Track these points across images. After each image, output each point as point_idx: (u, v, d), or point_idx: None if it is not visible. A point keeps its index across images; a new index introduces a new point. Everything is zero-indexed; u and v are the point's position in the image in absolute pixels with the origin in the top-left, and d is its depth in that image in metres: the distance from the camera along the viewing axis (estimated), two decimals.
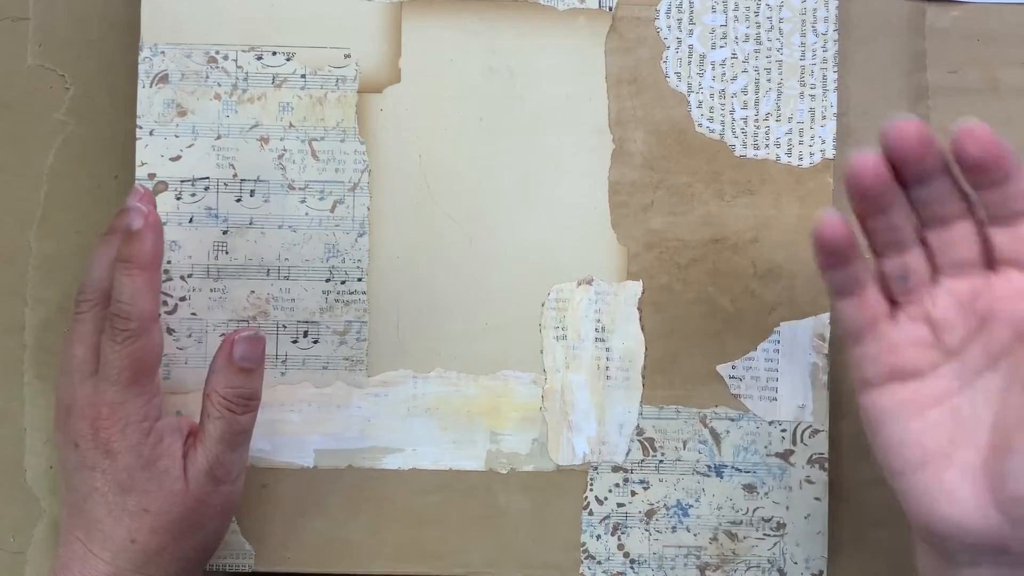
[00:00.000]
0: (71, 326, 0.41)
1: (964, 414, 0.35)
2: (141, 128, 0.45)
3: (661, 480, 0.46)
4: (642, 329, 0.46)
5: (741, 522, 0.46)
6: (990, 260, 0.36)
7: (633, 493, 0.46)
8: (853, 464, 0.46)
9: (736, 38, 0.46)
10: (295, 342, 0.45)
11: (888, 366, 0.37)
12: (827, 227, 0.36)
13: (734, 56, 0.46)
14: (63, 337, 0.41)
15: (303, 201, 0.46)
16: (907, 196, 0.36)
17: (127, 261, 0.39)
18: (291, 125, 0.46)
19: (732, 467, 0.46)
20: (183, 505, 0.40)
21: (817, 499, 0.46)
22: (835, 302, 0.38)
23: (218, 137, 0.46)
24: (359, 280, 0.46)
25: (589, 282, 0.46)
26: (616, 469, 0.46)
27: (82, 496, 0.39)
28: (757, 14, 0.46)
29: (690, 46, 0.46)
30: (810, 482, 0.46)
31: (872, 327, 0.37)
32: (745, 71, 0.46)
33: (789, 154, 0.46)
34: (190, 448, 0.40)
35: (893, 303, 0.37)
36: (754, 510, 0.46)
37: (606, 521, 0.46)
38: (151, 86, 0.45)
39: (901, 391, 0.36)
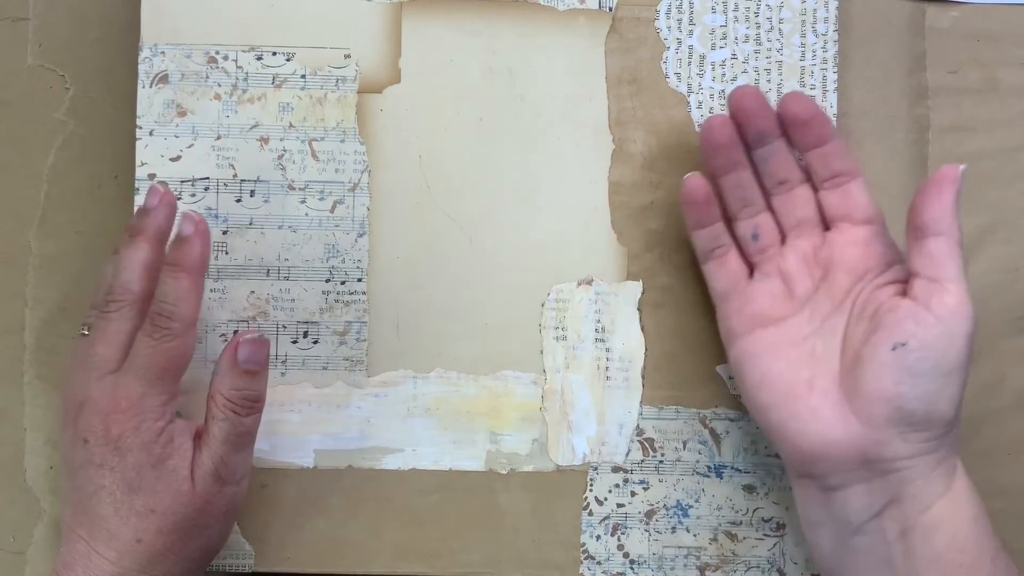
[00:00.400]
0: (96, 324, 0.41)
1: (819, 350, 0.41)
2: (141, 128, 0.45)
3: (661, 480, 0.46)
4: (642, 329, 0.46)
5: (741, 522, 0.46)
6: (826, 219, 0.42)
7: (633, 493, 0.46)
8: None
9: (736, 38, 0.46)
10: (295, 342, 0.45)
11: (750, 316, 0.42)
12: (691, 186, 0.42)
13: (734, 57, 0.46)
14: (80, 337, 0.41)
15: (303, 201, 0.46)
16: (754, 162, 0.43)
17: (175, 264, 0.40)
18: (291, 125, 0.46)
19: (732, 467, 0.46)
20: (189, 506, 0.40)
21: None
22: (703, 265, 0.44)
23: (218, 137, 0.46)
24: (359, 280, 0.46)
25: (589, 282, 0.46)
26: (616, 469, 0.46)
27: (87, 495, 0.39)
28: (757, 15, 0.46)
29: (690, 46, 0.46)
30: None
31: (735, 285, 0.43)
32: (745, 71, 0.46)
33: None
34: (196, 450, 0.40)
35: (751, 266, 0.43)
36: (754, 510, 0.46)
37: (606, 521, 0.46)
38: (151, 86, 0.45)
39: (763, 336, 0.41)
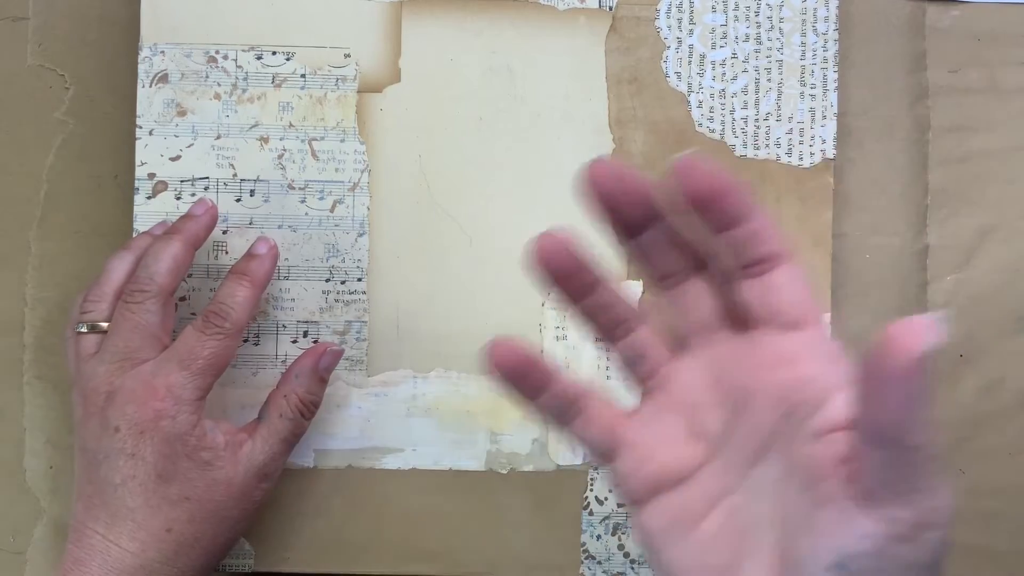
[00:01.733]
0: (120, 314, 0.41)
1: (743, 518, 0.29)
2: (141, 128, 0.45)
3: None
4: None
5: None
6: (740, 321, 0.30)
7: None
8: None
9: (736, 38, 0.46)
10: (295, 342, 0.45)
11: (647, 476, 0.31)
12: (502, 357, 0.31)
13: (734, 56, 0.46)
14: (81, 334, 0.41)
15: (303, 201, 0.46)
16: (627, 251, 0.31)
17: (244, 274, 0.42)
18: (291, 125, 0.46)
19: None
20: (226, 495, 0.40)
21: None
22: (563, 432, 0.32)
23: (218, 137, 0.46)
24: (359, 280, 0.46)
25: None
26: None
27: (112, 486, 0.39)
28: (757, 14, 0.46)
29: (690, 46, 0.46)
30: None
31: (614, 438, 0.32)
32: (745, 71, 0.46)
33: (789, 154, 0.46)
34: (245, 441, 0.41)
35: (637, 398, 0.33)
36: None
37: (606, 521, 0.46)
38: (151, 86, 0.45)
39: (669, 503, 0.31)
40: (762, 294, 0.29)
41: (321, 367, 0.43)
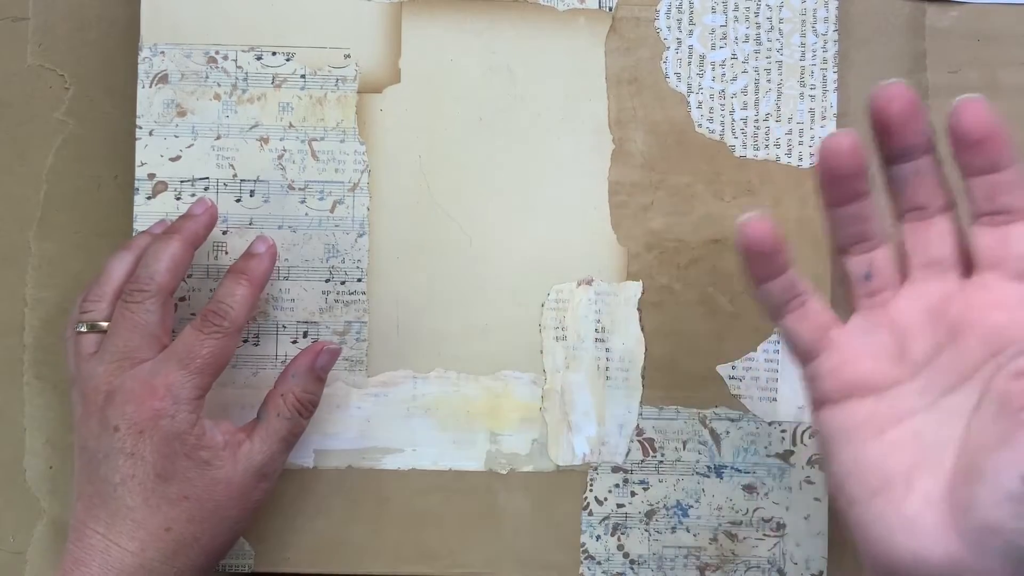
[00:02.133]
0: (120, 314, 0.41)
1: (927, 437, 0.32)
2: (141, 128, 0.45)
3: (661, 480, 0.46)
4: (642, 329, 0.46)
5: (741, 522, 0.46)
6: (968, 264, 0.33)
7: (633, 493, 0.46)
8: None
9: (736, 38, 0.46)
10: (295, 342, 0.45)
11: (845, 380, 0.34)
12: (754, 233, 0.34)
13: (734, 56, 0.46)
14: (115, 324, 0.41)
15: (303, 201, 0.46)
16: (887, 177, 0.34)
17: (243, 272, 0.42)
18: (291, 125, 0.46)
19: (732, 467, 0.46)
20: (225, 495, 0.40)
21: (817, 499, 0.46)
22: (777, 321, 0.35)
23: (218, 137, 0.46)
24: (359, 280, 0.46)
25: (589, 282, 0.46)
26: (616, 469, 0.46)
27: (112, 485, 0.39)
28: (757, 14, 0.46)
29: (690, 46, 0.46)
30: (810, 483, 0.46)
31: (824, 338, 0.34)
32: (745, 71, 0.46)
33: (789, 154, 0.46)
34: (244, 441, 0.41)
35: (853, 309, 0.35)
36: (754, 510, 0.46)
37: (606, 521, 0.46)
38: (151, 86, 0.45)
39: (859, 409, 0.33)
40: (998, 243, 0.32)
41: (318, 366, 0.43)
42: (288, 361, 0.45)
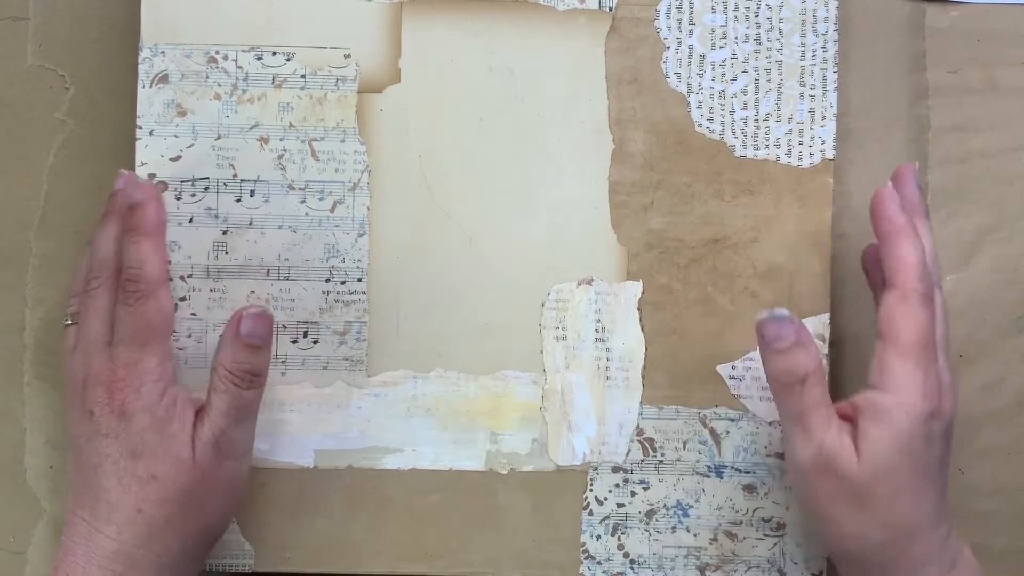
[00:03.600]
0: (83, 305, 0.42)
1: None
2: (141, 128, 0.45)
3: (661, 480, 0.46)
4: (642, 329, 0.46)
5: (741, 522, 0.46)
6: None
7: (633, 493, 0.46)
8: None
9: (736, 38, 0.46)
10: (295, 342, 0.45)
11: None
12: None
13: (734, 56, 0.46)
14: (66, 327, 0.42)
15: (303, 201, 0.46)
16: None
17: (133, 230, 0.41)
18: (291, 125, 0.46)
19: (732, 467, 0.46)
20: (189, 475, 0.40)
21: None
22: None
23: (218, 137, 0.46)
24: (359, 280, 0.46)
25: (589, 282, 0.46)
26: (616, 469, 0.46)
27: (91, 468, 0.40)
28: (757, 14, 0.46)
29: (690, 46, 0.46)
30: None
31: None
32: (745, 71, 0.46)
33: (789, 154, 0.46)
34: (198, 421, 0.41)
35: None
36: (754, 510, 0.46)
37: (606, 521, 0.46)
38: (151, 86, 0.45)
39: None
40: None
41: (243, 333, 0.41)
42: (288, 361, 0.45)
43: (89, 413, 0.40)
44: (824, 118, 0.46)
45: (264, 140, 0.46)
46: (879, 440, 0.38)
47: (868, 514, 0.38)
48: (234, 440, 0.41)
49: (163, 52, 0.45)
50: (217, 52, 0.45)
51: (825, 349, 0.45)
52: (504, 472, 0.46)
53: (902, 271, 0.39)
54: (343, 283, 0.46)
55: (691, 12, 0.46)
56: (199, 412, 0.41)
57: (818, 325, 0.45)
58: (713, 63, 0.46)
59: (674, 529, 0.46)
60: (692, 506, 0.46)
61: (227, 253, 0.45)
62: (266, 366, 0.42)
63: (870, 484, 0.38)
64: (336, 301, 0.46)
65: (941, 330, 0.40)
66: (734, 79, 0.46)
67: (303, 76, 0.46)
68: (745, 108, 0.46)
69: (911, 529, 0.38)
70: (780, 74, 0.46)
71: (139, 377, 0.40)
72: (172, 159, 0.45)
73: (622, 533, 0.46)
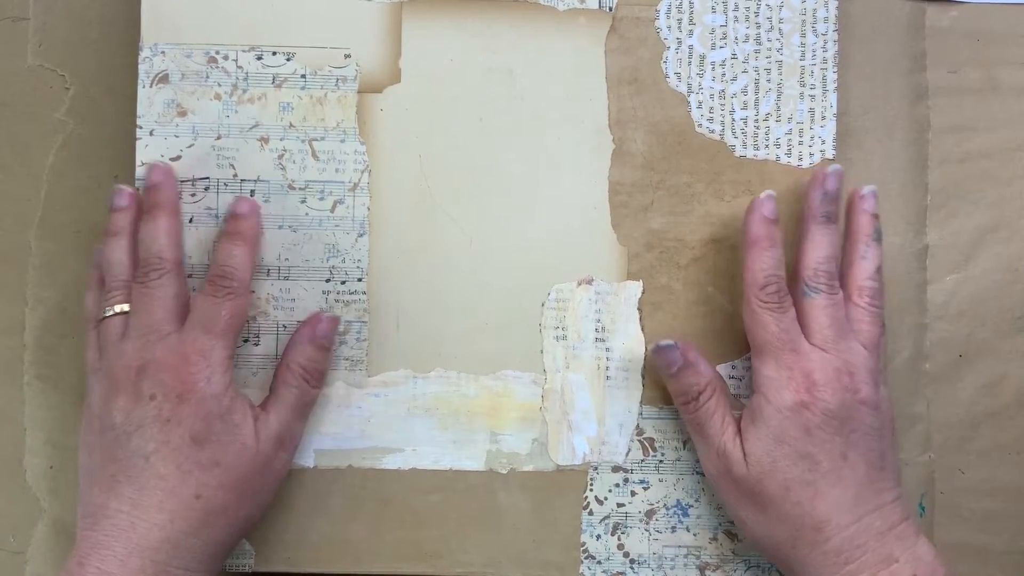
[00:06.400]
0: (138, 296, 0.42)
1: None
2: (141, 128, 0.45)
3: (661, 480, 0.46)
4: (642, 329, 0.46)
5: None
6: None
7: (633, 493, 0.46)
8: None
9: (736, 38, 0.46)
10: None
11: None
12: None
13: (734, 56, 0.46)
14: (136, 304, 0.42)
15: (303, 201, 0.46)
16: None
17: (235, 234, 0.44)
18: (291, 125, 0.46)
19: None
20: (252, 463, 0.41)
21: None
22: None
23: (218, 137, 0.46)
24: (359, 280, 0.46)
25: (589, 282, 0.46)
26: (616, 469, 0.46)
27: (143, 456, 0.40)
28: (757, 14, 0.46)
29: (690, 46, 0.46)
30: None
31: None
32: (745, 71, 0.46)
33: (789, 154, 0.46)
34: (260, 413, 0.43)
35: None
36: None
37: (606, 521, 0.46)
38: (151, 86, 0.45)
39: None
40: None
41: (318, 335, 0.44)
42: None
43: (149, 398, 0.40)
44: (824, 118, 0.46)
45: (264, 140, 0.46)
46: (756, 439, 0.41)
47: (769, 513, 0.41)
48: (294, 434, 0.44)
49: (163, 52, 0.45)
50: (217, 52, 0.45)
51: None
52: (504, 472, 0.46)
53: (747, 281, 0.42)
54: (343, 283, 0.46)
55: (691, 12, 0.46)
56: (261, 405, 0.43)
57: None
58: (713, 63, 0.46)
59: (674, 529, 0.46)
60: (692, 506, 0.46)
61: None
62: (328, 368, 0.45)
63: (760, 483, 0.41)
64: (336, 301, 0.46)
65: (845, 313, 0.43)
66: (734, 79, 0.46)
67: (303, 76, 0.46)
68: (745, 108, 0.46)
69: (816, 523, 0.40)
70: (780, 74, 0.46)
71: (210, 365, 0.41)
72: (172, 159, 0.45)
73: (622, 533, 0.46)
